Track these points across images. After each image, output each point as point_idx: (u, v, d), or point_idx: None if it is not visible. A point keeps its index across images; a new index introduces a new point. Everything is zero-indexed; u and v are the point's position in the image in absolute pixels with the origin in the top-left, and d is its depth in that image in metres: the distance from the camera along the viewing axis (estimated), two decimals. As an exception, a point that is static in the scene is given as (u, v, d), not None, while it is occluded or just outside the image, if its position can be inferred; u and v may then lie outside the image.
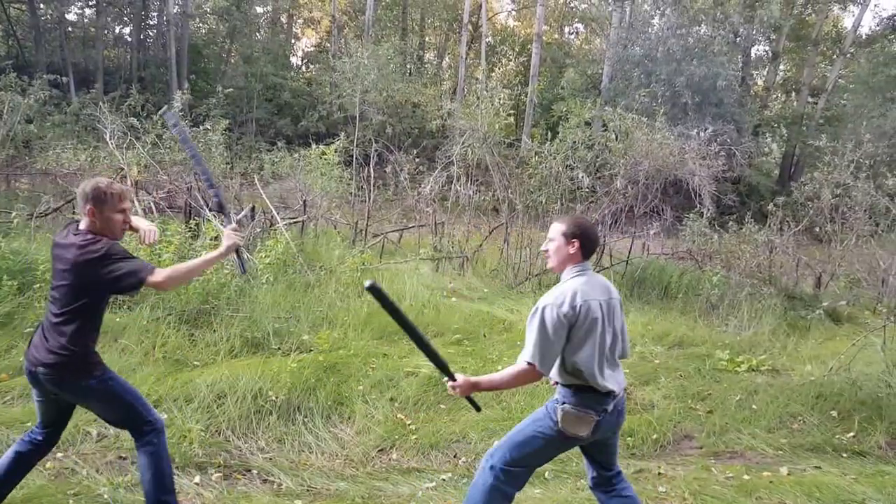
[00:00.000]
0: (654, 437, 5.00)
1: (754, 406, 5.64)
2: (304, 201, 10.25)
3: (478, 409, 3.24)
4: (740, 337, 7.86)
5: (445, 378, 2.98)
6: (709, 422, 5.33)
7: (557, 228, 2.93)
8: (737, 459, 4.83)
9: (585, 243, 2.88)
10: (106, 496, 3.49)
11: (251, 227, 8.36)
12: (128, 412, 3.03)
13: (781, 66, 29.68)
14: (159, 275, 2.79)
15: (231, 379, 4.80)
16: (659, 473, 4.41)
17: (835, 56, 26.46)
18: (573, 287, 2.80)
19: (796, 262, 11.29)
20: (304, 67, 32.11)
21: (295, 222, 9.79)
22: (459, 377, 2.93)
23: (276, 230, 8.59)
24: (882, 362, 6.38)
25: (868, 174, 11.52)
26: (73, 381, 2.90)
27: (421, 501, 3.84)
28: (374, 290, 2.58)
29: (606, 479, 3.08)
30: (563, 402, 2.83)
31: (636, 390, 5.84)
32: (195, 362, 5.33)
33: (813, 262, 11.64)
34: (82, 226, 2.90)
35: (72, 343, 2.84)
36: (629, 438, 4.95)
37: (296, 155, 12.42)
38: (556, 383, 2.94)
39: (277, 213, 9.28)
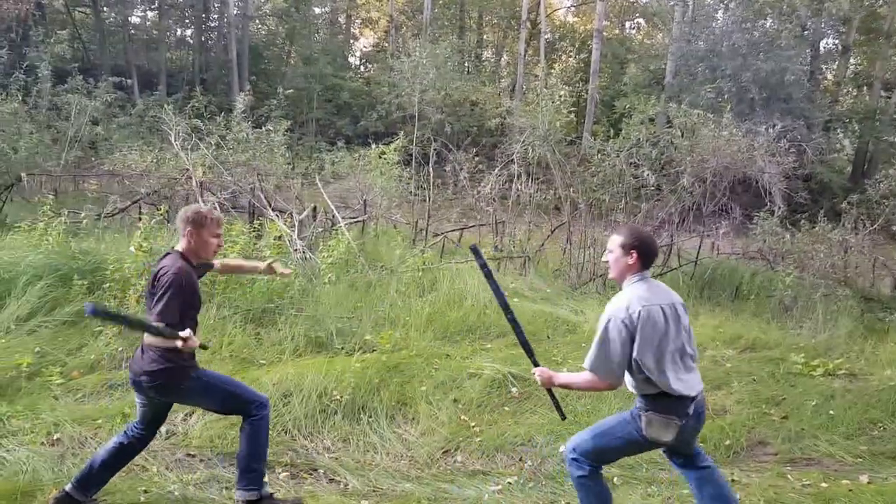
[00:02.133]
0: (727, 442, 4.83)
1: (831, 411, 5.39)
2: (365, 201, 10.30)
3: (563, 416, 3.42)
4: (815, 340, 7.53)
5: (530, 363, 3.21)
6: (784, 427, 5.13)
7: (616, 240, 3.01)
8: (814, 467, 4.64)
9: (644, 254, 2.96)
10: (176, 493, 3.51)
11: (313, 227, 8.42)
12: (230, 399, 3.26)
13: (852, 60, 28.38)
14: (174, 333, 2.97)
15: (296, 378, 4.82)
16: (732, 480, 4.23)
17: (908, 49, 25.15)
18: (631, 294, 2.90)
19: (873, 262, 10.79)
20: (362, 67, 32.42)
21: (356, 222, 9.84)
22: (541, 367, 3.14)
23: (337, 230, 8.64)
24: None
25: (946, 172, 10.92)
26: (172, 386, 3.14)
27: (487, 504, 3.74)
28: (476, 252, 3.10)
29: (689, 460, 3.17)
30: (647, 410, 2.89)
31: (708, 395, 5.55)
32: (261, 361, 5.38)
33: (890, 262, 11.11)
34: (179, 247, 3.20)
35: (168, 352, 3.04)
36: (701, 444, 4.72)
37: (355, 154, 12.51)
38: (637, 392, 2.97)
39: (338, 213, 9.33)
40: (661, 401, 2.85)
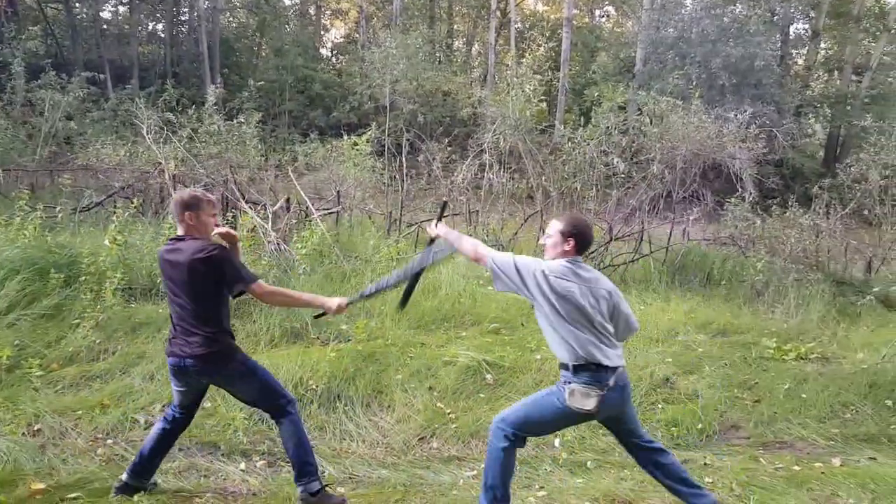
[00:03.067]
0: (700, 426, 4.91)
1: (804, 395, 5.47)
2: (338, 192, 10.28)
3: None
4: (787, 324, 7.60)
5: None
6: (756, 411, 5.20)
7: (555, 226, 3.22)
8: (786, 450, 4.71)
9: (580, 241, 3.19)
10: (160, 481, 3.55)
11: (287, 218, 8.40)
12: (267, 391, 3.35)
13: (822, 45, 28.67)
14: (264, 287, 3.26)
15: (271, 368, 4.75)
16: (705, 464, 4.33)
17: (878, 32, 25.51)
18: (555, 265, 3.13)
19: (845, 246, 10.90)
20: (333, 59, 32.12)
21: (330, 213, 9.82)
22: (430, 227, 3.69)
23: (311, 221, 8.63)
24: None
25: (918, 154, 11.11)
26: (220, 365, 3.22)
27: (462, 490, 3.82)
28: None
29: (645, 449, 3.29)
30: (569, 382, 3.07)
31: (680, 379, 5.69)
32: (236, 352, 5.38)
33: (862, 245, 11.23)
34: (180, 231, 3.25)
35: (214, 334, 3.18)
36: (674, 428, 4.87)
37: (328, 146, 12.47)
38: (561, 366, 3.16)
39: (312, 204, 9.32)
40: (581, 372, 3.04)
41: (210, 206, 3.30)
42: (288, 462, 4.01)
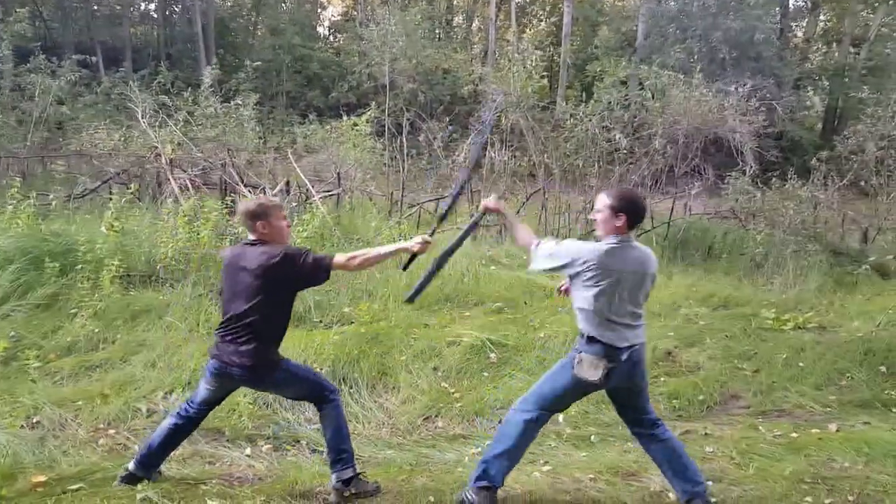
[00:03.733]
0: (700, 398, 4.95)
1: (801, 364, 5.55)
2: (338, 174, 10.21)
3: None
4: (786, 295, 7.70)
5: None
6: (755, 381, 5.27)
7: (604, 201, 3.07)
8: (784, 418, 4.78)
9: (632, 217, 3.03)
10: (163, 469, 3.54)
11: (287, 201, 8.35)
12: (310, 388, 3.36)
13: (821, 17, 28.44)
14: (340, 258, 3.13)
15: (275, 353, 4.83)
16: (706, 434, 4.38)
17: (877, 3, 25.23)
18: (605, 245, 3.03)
19: (842, 217, 11.04)
20: (331, 37, 31.81)
21: (330, 195, 9.77)
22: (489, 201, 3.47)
23: (311, 204, 8.58)
24: None
25: (914, 124, 11.13)
26: (266, 376, 3.20)
27: (468, 467, 3.78)
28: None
29: (641, 423, 3.25)
30: (581, 351, 3.05)
31: (681, 352, 5.76)
32: (239, 337, 5.36)
33: (859, 216, 11.40)
34: (252, 237, 3.21)
35: (267, 347, 3.16)
36: (675, 401, 4.91)
37: (327, 127, 12.37)
38: (581, 335, 3.12)
39: (312, 187, 9.26)
40: (594, 344, 3.01)
41: (279, 211, 3.25)
42: (294, 445, 4.05)
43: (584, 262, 2.98)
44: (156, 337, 5.15)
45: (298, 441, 4.11)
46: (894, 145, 10.83)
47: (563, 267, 3.06)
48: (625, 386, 3.16)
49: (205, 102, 11.03)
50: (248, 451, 3.88)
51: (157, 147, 9.48)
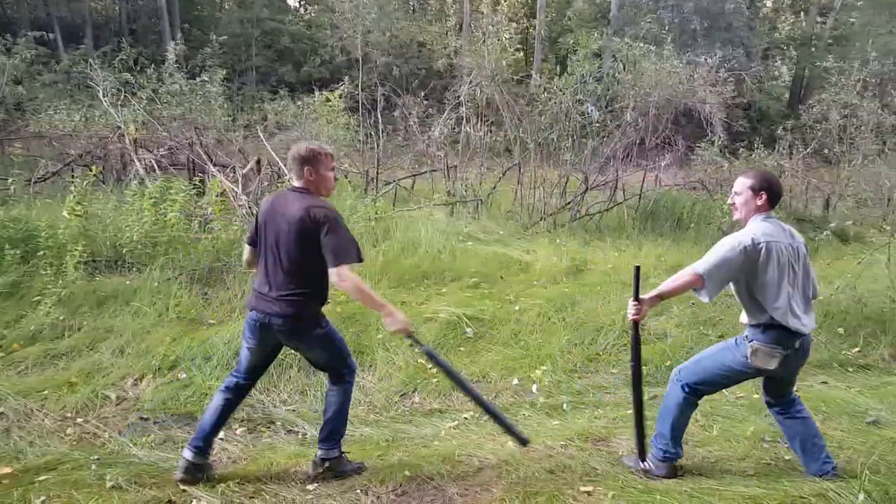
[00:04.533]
0: (668, 364, 5.03)
1: (764, 328, 5.67)
2: (311, 150, 10.03)
3: (523, 441, 3.35)
4: (750, 263, 7.81)
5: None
6: (720, 346, 5.38)
7: (744, 183, 3.13)
8: (747, 382, 4.87)
9: (772, 195, 3.09)
10: (140, 455, 3.49)
11: (258, 181, 8.20)
12: (338, 357, 3.29)
13: (791, -15, 28.69)
14: (349, 273, 2.95)
15: (248, 335, 4.77)
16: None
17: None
18: (757, 228, 3.03)
19: (806, 184, 11.25)
20: (302, 10, 31.18)
21: (303, 173, 9.60)
22: (640, 301, 3.23)
23: (283, 183, 8.43)
24: (886, 279, 6.55)
25: (875, 93, 11.36)
26: (306, 330, 3.13)
27: (444, 440, 3.88)
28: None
29: (781, 401, 3.28)
30: (752, 340, 3.04)
31: (650, 321, 5.83)
32: (210, 321, 5.30)
33: (822, 183, 11.63)
34: (297, 184, 3.12)
35: (308, 297, 3.06)
36: (644, 367, 4.93)
37: (299, 103, 12.15)
38: (747, 324, 3.13)
39: (284, 165, 9.09)
40: (770, 332, 3.00)
41: (329, 160, 3.16)
42: (269, 427, 4.02)
43: (750, 248, 2.95)
44: (123, 323, 5.05)
45: (273, 423, 4.09)
46: (856, 114, 11.02)
47: (736, 265, 2.97)
48: (786, 375, 3.17)
49: (170, 79, 10.72)
50: (221, 434, 3.80)
51: (120, 127, 9.21)
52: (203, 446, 3.19)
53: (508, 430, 3.32)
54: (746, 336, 3.08)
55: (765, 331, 3.01)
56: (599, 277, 7.06)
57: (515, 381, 4.84)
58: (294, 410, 4.25)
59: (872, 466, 3.18)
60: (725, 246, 3.00)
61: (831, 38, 24.85)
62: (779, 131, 11.63)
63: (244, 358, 3.25)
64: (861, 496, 2.83)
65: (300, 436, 3.97)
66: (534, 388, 4.73)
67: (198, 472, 3.16)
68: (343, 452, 3.33)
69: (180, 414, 4.02)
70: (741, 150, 11.12)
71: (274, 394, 4.40)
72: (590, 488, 3.12)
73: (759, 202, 3.08)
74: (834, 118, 11.22)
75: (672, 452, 3.27)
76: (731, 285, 3.09)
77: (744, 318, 3.14)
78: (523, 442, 3.31)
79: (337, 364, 3.29)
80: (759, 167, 10.18)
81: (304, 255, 2.99)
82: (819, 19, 26.47)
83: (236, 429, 3.93)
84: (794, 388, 3.32)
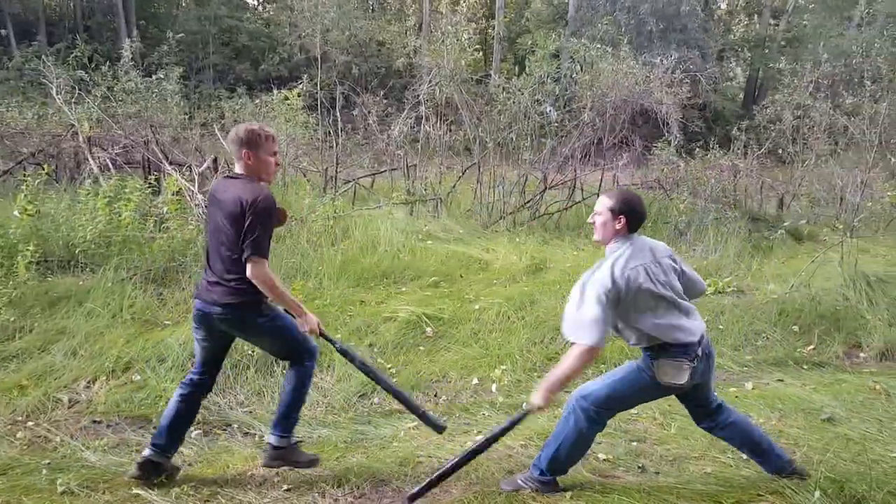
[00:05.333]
0: (626, 362, 5.06)
1: (721, 326, 5.81)
2: (269, 150, 9.94)
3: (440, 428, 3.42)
4: (707, 261, 7.99)
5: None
6: (677, 344, 5.45)
7: (605, 203, 2.99)
8: None
9: (632, 219, 2.94)
10: (92, 459, 3.43)
11: (214, 179, 8.10)
12: (293, 344, 3.20)
13: (744, -12, 29.39)
14: (265, 267, 2.91)
15: (204, 336, 4.71)
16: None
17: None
18: (614, 261, 2.88)
19: (760, 184, 11.52)
20: (260, 7, 30.79)
21: (261, 172, 9.51)
22: (532, 400, 2.99)
23: (241, 181, 8.33)
24: (839, 276, 6.70)
25: (826, 94, 11.67)
26: (248, 319, 3.04)
27: (403, 441, 3.87)
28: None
29: (707, 415, 3.15)
30: (656, 358, 2.90)
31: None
32: (165, 321, 5.23)
33: (776, 183, 11.90)
34: (238, 170, 3.03)
35: (248, 284, 2.94)
36: (602, 366, 5.02)
37: (257, 101, 12.04)
38: (640, 346, 2.99)
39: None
40: (666, 349, 2.88)
41: (270, 143, 3.04)
42: (224, 430, 3.98)
43: (612, 292, 2.81)
44: (76, 324, 4.94)
45: (229, 425, 4.05)
46: (809, 114, 11.33)
47: (609, 315, 2.83)
48: (699, 382, 3.02)
49: (125, 77, 10.53)
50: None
51: (74, 125, 9.02)
52: (162, 444, 3.12)
53: (423, 418, 3.36)
54: (649, 355, 2.94)
55: (660, 351, 2.89)
56: (559, 276, 7.09)
57: (475, 381, 4.84)
58: (251, 412, 4.21)
59: (828, 463, 3.23)
60: (589, 303, 2.81)
61: (784, 40, 25.48)
62: (734, 131, 11.85)
63: (196, 352, 3.22)
64: (817, 493, 2.84)
65: (257, 438, 3.92)
66: (493, 387, 4.73)
67: (154, 471, 3.09)
68: (298, 441, 3.28)
69: (134, 417, 3.96)
70: (697, 149, 11.33)
71: (230, 395, 4.35)
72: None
73: (618, 226, 2.93)
74: (787, 119, 11.46)
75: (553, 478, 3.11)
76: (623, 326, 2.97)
77: (635, 343, 2.99)
78: (439, 430, 3.37)
79: (294, 350, 3.21)
80: (715, 166, 10.42)
81: (239, 241, 2.92)
82: (772, 21, 27.14)
83: (191, 431, 3.86)
84: (716, 394, 3.21)
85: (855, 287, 6.45)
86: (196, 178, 7.79)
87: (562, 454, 3.05)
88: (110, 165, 8.54)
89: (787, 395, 4.46)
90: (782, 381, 4.92)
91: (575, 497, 3.03)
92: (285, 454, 3.21)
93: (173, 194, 6.80)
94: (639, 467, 3.37)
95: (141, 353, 4.59)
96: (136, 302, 5.36)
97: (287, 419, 3.22)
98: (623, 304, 2.83)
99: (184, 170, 8.35)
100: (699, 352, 2.91)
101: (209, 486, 3.14)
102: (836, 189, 10.65)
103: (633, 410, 4.11)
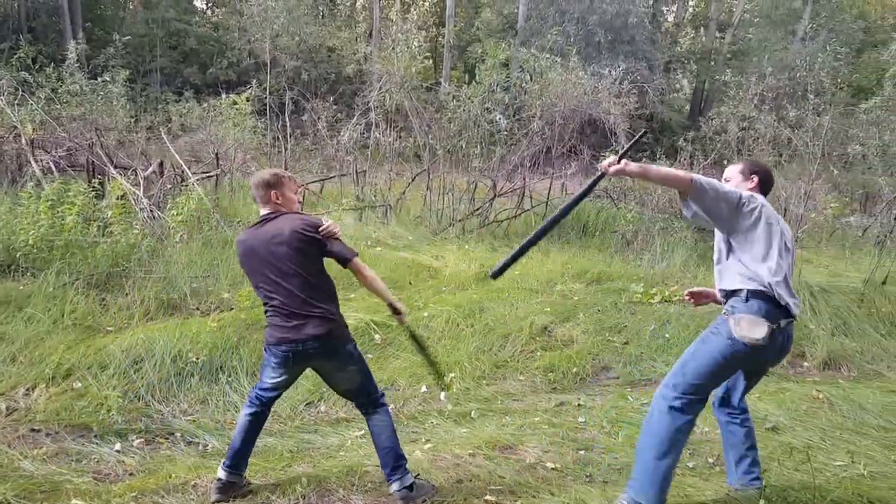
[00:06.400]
0: (574, 370, 5.17)
1: (667, 335, 5.88)
2: (217, 154, 9.86)
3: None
4: (654, 270, 8.11)
5: None
6: (625, 352, 5.55)
7: (734, 169, 3.08)
8: (651, 387, 4.99)
9: (763, 180, 3.02)
10: (30, 469, 3.36)
11: (160, 184, 8.00)
12: (368, 379, 3.23)
13: (691, 2, 30.20)
14: (361, 261, 3.19)
15: (148, 343, 4.66)
16: (579, 405, 4.57)
17: (740, -11, 27.07)
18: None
19: (706, 195, 11.75)
20: (209, 11, 30.31)
21: (208, 177, 9.42)
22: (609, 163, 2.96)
23: (187, 186, 8.25)
24: None
25: (771, 106, 12.02)
26: (341, 345, 3.09)
27: (350, 450, 3.84)
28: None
29: (735, 407, 3.12)
30: (735, 311, 2.77)
31: (557, 327, 5.97)
32: (108, 328, 5.14)
33: (722, 193, 12.12)
34: (266, 211, 3.12)
35: (333, 311, 3.08)
36: (551, 374, 5.12)
37: (205, 105, 11.92)
38: (726, 292, 2.90)
39: (188, 168, 8.89)
40: (753, 300, 2.73)
41: (293, 183, 3.21)
42: (167, 439, 3.93)
43: (746, 196, 2.80)
44: (15, 329, 4.82)
45: (172, 434, 3.99)
46: (754, 126, 11.68)
47: (738, 202, 2.77)
48: (761, 368, 2.96)
49: (70, 79, 10.33)
50: (117, 446, 3.72)
51: (16, 127, 8.80)
52: (236, 465, 3.16)
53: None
54: (725, 312, 2.82)
55: (748, 299, 2.74)
56: (507, 284, 7.11)
57: (424, 389, 4.83)
58: (195, 421, 4.15)
59: (772, 472, 3.30)
60: (726, 187, 2.83)
61: (730, 52, 26.20)
62: (680, 142, 12.05)
63: (269, 380, 3.17)
64: (762, 502, 2.89)
65: (200, 447, 3.88)
66: (442, 395, 4.72)
67: (231, 490, 3.14)
68: (415, 477, 3.21)
69: (74, 425, 3.88)
70: (644, 159, 11.57)
71: (174, 404, 4.29)
72: (497, 497, 3.13)
73: (751, 185, 3.00)
74: (733, 130, 11.66)
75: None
76: (718, 242, 2.94)
77: (724, 283, 2.90)
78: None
79: (368, 384, 3.22)
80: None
81: (310, 268, 3.03)
82: (718, 34, 27.91)
83: (133, 440, 3.83)
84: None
85: (799, 297, 6.66)
86: (141, 182, 7.67)
87: (654, 457, 2.80)
88: (53, 168, 8.35)
89: (733, 404, 4.59)
90: (727, 389, 5.08)
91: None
92: (415, 494, 3.16)
93: (118, 198, 6.69)
94: (586, 476, 3.41)
95: (82, 359, 4.50)
96: (78, 307, 5.25)
97: (399, 461, 3.18)
98: (748, 220, 2.79)
99: (129, 174, 8.20)
100: (783, 323, 2.77)
101: (150, 496, 3.09)
102: (780, 200, 10.95)
103: (580, 419, 4.25)
